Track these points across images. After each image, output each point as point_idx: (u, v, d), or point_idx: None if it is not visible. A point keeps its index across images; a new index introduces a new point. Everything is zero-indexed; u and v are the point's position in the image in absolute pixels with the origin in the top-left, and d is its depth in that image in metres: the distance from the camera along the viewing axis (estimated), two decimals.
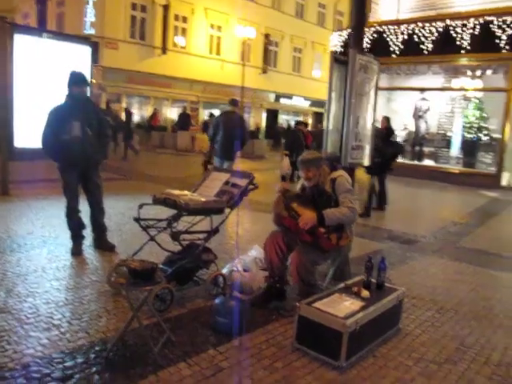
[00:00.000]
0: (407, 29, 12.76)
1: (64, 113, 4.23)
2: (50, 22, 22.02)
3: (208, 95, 24.77)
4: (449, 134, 13.96)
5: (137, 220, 3.58)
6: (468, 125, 13.01)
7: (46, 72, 7.29)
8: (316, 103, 31.20)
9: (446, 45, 12.02)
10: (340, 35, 14.72)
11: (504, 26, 11.09)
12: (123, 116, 16.10)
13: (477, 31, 11.56)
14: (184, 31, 23.37)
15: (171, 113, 24.21)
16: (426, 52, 12.46)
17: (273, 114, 29.40)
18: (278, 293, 3.63)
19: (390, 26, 13.08)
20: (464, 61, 12.48)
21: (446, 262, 5.33)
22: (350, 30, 14.25)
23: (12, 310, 3.18)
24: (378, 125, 7.74)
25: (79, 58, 7.74)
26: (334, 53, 4.14)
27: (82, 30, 20.12)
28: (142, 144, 19.58)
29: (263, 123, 28.63)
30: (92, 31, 20.28)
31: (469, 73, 13.10)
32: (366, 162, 4.52)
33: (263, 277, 3.78)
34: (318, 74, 31.35)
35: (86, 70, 7.11)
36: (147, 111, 22.83)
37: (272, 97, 28.66)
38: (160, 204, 3.71)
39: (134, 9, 21.22)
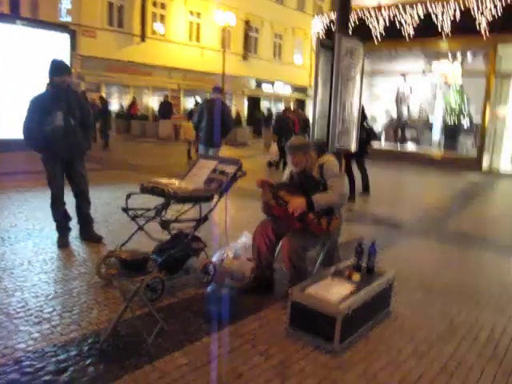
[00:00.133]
0: (389, 13, 12.78)
1: (46, 102, 4.12)
2: (24, 9, 21.33)
3: (189, 83, 24.47)
4: (430, 118, 14.10)
5: (125, 210, 3.54)
6: (449, 109, 13.16)
7: (22, 61, 7.09)
8: (298, 89, 31.17)
9: (427, 29, 12.08)
10: (322, 20, 14.65)
11: (484, 11, 11.19)
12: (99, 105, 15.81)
13: (457, 16, 11.63)
14: (163, 18, 22.96)
15: (152, 101, 23.87)
16: (407, 37, 12.51)
17: (254, 101, 29.24)
18: (265, 282, 3.63)
19: (371, 11, 13.07)
20: (445, 45, 12.57)
21: (432, 244, 5.42)
22: (331, 15, 14.23)
23: (0, 305, 3.12)
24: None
25: (56, 46, 7.54)
26: (319, 37, 4.09)
27: (57, 18, 19.57)
28: (121, 133, 19.35)
29: (245, 110, 28.48)
30: (68, 18, 19.76)
31: (449, 57, 13.21)
32: (353, 147, 4.53)
33: (250, 268, 3.78)
34: (299, 60, 31.28)
35: (65, 59, 6.94)
36: (127, 100, 22.46)
37: (253, 84, 28.47)
38: (148, 193, 3.66)
39: None
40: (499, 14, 10.99)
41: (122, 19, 21.27)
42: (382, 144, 15.00)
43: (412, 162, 13.23)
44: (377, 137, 11.67)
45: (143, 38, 21.72)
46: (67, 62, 7.07)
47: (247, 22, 26.80)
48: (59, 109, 4.12)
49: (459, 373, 2.66)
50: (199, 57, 24.41)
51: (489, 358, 2.84)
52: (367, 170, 8.23)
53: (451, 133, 13.34)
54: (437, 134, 13.96)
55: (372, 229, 5.91)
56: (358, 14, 13.21)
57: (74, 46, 8.43)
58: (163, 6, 22.83)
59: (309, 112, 18.72)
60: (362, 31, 12.72)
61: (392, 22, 12.74)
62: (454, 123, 13.13)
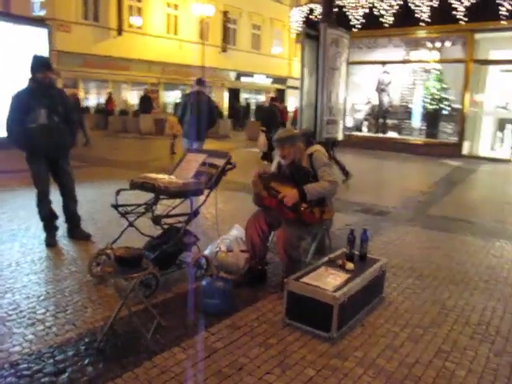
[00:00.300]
0: (367, 2, 12.81)
1: (28, 99, 4.01)
2: None
3: (168, 76, 24.19)
4: (411, 105, 14.25)
5: (115, 206, 3.49)
6: (429, 96, 13.29)
7: None
8: (277, 80, 31.11)
9: (405, 18, 12.16)
10: (300, 10, 14.61)
11: None
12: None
13: (435, 3, 11.72)
14: (139, 11, 22.59)
15: (131, 96, 23.55)
16: (386, 25, 12.58)
17: (234, 93, 29.11)
18: (259, 274, 3.64)
19: (350, 0, 13.08)
20: (423, 33, 12.69)
21: (419, 230, 5.49)
22: (310, 6, 14.21)
23: None
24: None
25: (32, 41, 7.35)
26: (304, 28, 4.08)
27: (30, 12, 19.07)
28: (100, 129, 19.06)
29: (225, 102, 28.33)
30: (42, 12, 19.28)
31: (429, 45, 13.33)
32: (340, 136, 4.55)
33: (244, 258, 3.78)
34: (277, 51, 31.20)
35: (43, 55, 6.77)
36: (105, 96, 22.10)
37: (233, 75, 28.31)
38: (138, 188, 3.61)
39: None
40: (476, 2, 11.11)
41: (98, 13, 20.84)
42: (363, 132, 15.11)
43: (394, 149, 13.37)
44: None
45: (120, 31, 21.33)
46: None
47: (225, 14, 26.58)
48: (42, 106, 4.02)
49: (454, 355, 2.71)
50: (178, 49, 24.13)
51: (481, 340, 2.91)
52: (338, 157, 8.29)
53: (432, 119, 13.50)
54: (417, 121, 14.12)
55: (358, 217, 5.96)
56: (337, 4, 13.20)
57: (50, 41, 8.23)
58: None
59: (289, 102, 18.75)
60: (342, 21, 12.73)
61: (371, 11, 12.77)
62: (435, 110, 13.28)
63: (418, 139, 13.71)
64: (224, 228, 4.41)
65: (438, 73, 13.27)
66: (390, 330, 2.98)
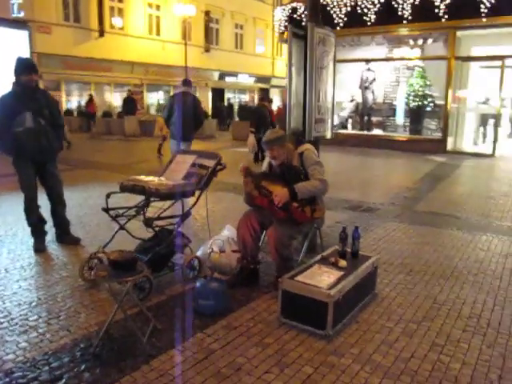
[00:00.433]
0: (350, 0, 12.89)
1: (13, 103, 3.95)
2: None
3: (151, 77, 24.05)
4: (395, 102, 14.39)
5: (105, 210, 3.45)
6: (413, 93, 13.43)
7: None
8: (261, 79, 31.15)
9: (388, 15, 12.27)
10: (284, 9, 14.64)
11: None
12: None
13: (417, 1, 11.86)
14: (121, 11, 22.39)
15: (114, 98, 23.33)
16: (369, 23, 12.67)
17: (218, 93, 29.05)
18: (251, 273, 3.64)
19: None
20: (406, 31, 12.81)
21: (407, 226, 5.55)
22: (292, 5, 14.24)
23: None
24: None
25: (12, 43, 7.21)
26: (291, 27, 4.09)
27: (9, 13, 18.74)
28: (83, 132, 18.84)
29: (209, 103, 28.25)
30: (21, 14, 18.94)
31: (411, 42, 13.48)
32: (329, 134, 4.57)
33: (236, 258, 3.78)
34: (261, 50, 31.23)
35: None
36: (86, 98, 21.82)
37: (216, 75, 28.25)
38: (128, 191, 3.58)
39: None
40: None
41: (79, 14, 20.60)
42: (348, 130, 15.21)
43: (379, 146, 13.49)
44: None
45: (102, 32, 21.13)
46: None
47: (207, 13, 26.49)
48: (28, 109, 3.95)
49: (448, 348, 2.75)
50: (161, 50, 24.00)
51: (473, 332, 2.96)
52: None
53: (416, 116, 13.63)
54: (402, 118, 14.26)
55: (347, 214, 5.99)
56: (320, 3, 13.26)
57: (30, 43, 8.11)
58: (121, 0, 22.25)
59: (273, 101, 18.75)
60: (325, 19, 12.79)
61: (353, 9, 12.85)
62: (418, 106, 13.43)
63: (402, 136, 13.85)
64: (215, 228, 4.41)
65: (421, 70, 13.42)
66: (384, 325, 3.02)
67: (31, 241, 4.39)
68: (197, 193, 3.79)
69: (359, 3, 12.73)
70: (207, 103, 27.78)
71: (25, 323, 2.92)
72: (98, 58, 20.92)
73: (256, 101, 26.97)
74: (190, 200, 3.78)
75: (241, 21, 29.50)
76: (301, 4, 13.81)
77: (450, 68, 12.38)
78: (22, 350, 2.60)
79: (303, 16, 13.65)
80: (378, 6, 12.41)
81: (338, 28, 12.94)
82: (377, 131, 14.68)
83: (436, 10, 11.58)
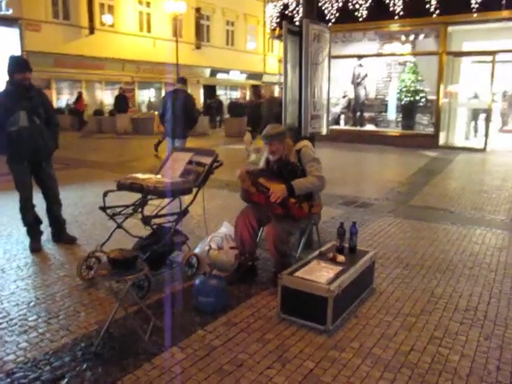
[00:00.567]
0: None
1: (7, 102, 3.91)
2: None
3: (142, 75, 23.91)
4: (387, 98, 14.44)
5: (103, 209, 3.44)
6: (405, 88, 13.47)
7: None
8: (253, 76, 31.05)
9: (379, 11, 12.29)
10: (275, 6, 14.61)
11: None
12: None
13: None
14: (111, 8, 22.20)
15: (106, 96, 23.16)
16: (360, 19, 12.69)
17: (210, 90, 28.94)
18: (249, 270, 3.65)
19: None
20: (397, 26, 12.84)
21: (402, 221, 5.59)
22: (284, 1, 14.22)
23: None
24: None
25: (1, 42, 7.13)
26: (286, 24, 4.09)
27: None
28: (74, 130, 18.68)
29: (201, 100, 28.14)
30: (9, 12, 18.71)
31: (403, 38, 13.53)
32: (325, 130, 4.59)
33: (233, 255, 3.79)
34: (252, 47, 31.15)
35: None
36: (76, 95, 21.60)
37: (208, 72, 28.15)
38: (125, 189, 3.56)
39: None
40: None
41: (68, 11, 20.38)
42: (341, 125, 15.24)
43: (372, 141, 13.52)
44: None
45: (92, 30, 20.95)
46: None
47: (198, 10, 26.36)
48: (22, 108, 3.92)
49: (446, 340, 2.79)
50: (152, 47, 23.86)
51: (471, 325, 2.99)
52: None
53: (408, 111, 13.68)
54: (394, 114, 14.31)
55: (342, 210, 6.02)
56: None
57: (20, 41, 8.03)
58: None
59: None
60: (317, 16, 12.80)
61: (345, 5, 12.86)
62: (411, 102, 13.48)
63: (395, 131, 13.91)
64: (211, 226, 4.42)
65: (413, 65, 13.47)
66: (383, 319, 3.04)
67: (27, 240, 4.37)
68: (194, 190, 3.80)
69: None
70: (199, 100, 27.67)
71: (24, 323, 2.91)
72: (89, 55, 20.74)
73: (248, 97, 26.86)
74: (187, 198, 3.78)
75: (232, 17, 29.39)
76: (292, 0, 13.79)
77: (441, 63, 12.43)
78: (23, 351, 2.59)
79: (294, 12, 13.64)
80: (370, 1, 12.42)
81: (330, 24, 12.91)
82: (369, 127, 14.72)
83: (427, 6, 11.62)
